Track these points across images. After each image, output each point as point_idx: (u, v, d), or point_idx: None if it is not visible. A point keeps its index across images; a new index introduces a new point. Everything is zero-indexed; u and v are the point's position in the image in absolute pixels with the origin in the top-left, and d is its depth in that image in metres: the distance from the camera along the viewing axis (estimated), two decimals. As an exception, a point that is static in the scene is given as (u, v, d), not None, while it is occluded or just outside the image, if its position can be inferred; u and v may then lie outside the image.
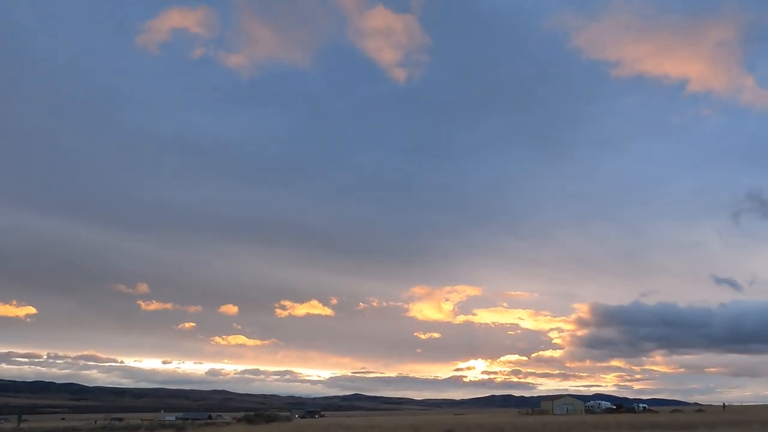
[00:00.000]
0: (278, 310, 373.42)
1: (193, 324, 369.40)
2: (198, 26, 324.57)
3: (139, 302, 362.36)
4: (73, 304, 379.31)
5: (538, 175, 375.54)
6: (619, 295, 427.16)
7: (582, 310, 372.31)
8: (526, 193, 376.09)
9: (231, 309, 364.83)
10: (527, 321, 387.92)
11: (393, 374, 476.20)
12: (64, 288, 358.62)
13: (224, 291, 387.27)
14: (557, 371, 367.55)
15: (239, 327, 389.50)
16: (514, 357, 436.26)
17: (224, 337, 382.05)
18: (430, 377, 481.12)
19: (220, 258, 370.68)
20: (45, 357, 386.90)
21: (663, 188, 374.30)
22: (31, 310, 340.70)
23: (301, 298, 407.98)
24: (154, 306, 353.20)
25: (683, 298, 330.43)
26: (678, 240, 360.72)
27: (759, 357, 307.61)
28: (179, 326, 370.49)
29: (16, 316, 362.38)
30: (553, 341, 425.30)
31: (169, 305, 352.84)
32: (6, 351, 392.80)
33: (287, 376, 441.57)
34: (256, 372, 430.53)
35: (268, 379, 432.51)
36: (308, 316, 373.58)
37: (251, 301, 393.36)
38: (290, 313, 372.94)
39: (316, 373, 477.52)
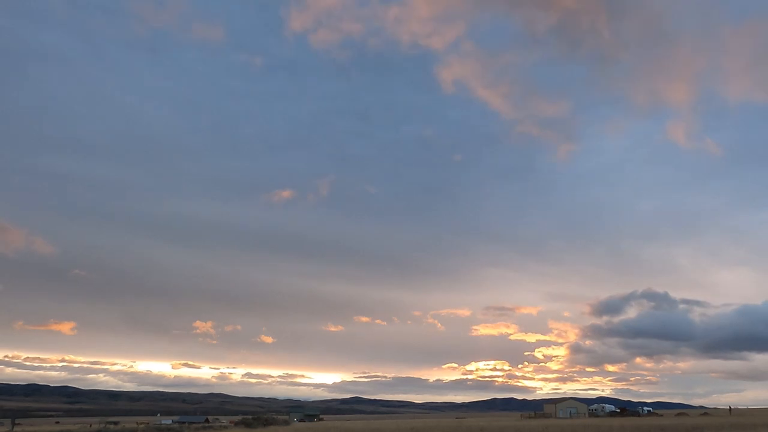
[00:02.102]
0: (303, 323, 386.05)
1: (216, 337, 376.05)
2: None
3: (185, 318, 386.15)
4: (113, 316, 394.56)
5: (529, 206, 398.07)
6: (609, 306, 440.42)
7: (576, 318, 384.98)
8: (520, 221, 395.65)
9: (258, 319, 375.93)
10: (524, 330, 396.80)
11: (393, 378, 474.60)
12: (109, 300, 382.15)
13: (255, 301, 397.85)
14: (555, 375, 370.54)
15: (263, 339, 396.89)
16: (513, 362, 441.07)
17: (238, 348, 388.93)
18: (431, 380, 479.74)
19: (258, 272, 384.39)
20: (57, 363, 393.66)
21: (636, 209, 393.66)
22: (72, 324, 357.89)
23: (329, 313, 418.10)
24: (196, 323, 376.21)
25: (663, 310, 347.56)
26: (655, 255, 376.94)
27: (744, 362, 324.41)
28: (205, 337, 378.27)
29: (60, 330, 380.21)
30: (553, 347, 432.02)
31: (210, 322, 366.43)
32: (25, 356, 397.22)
33: (288, 380, 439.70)
34: (256, 376, 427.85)
35: (269, 382, 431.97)
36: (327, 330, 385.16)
37: (280, 310, 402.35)
38: (313, 326, 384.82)
39: (316, 376, 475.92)
